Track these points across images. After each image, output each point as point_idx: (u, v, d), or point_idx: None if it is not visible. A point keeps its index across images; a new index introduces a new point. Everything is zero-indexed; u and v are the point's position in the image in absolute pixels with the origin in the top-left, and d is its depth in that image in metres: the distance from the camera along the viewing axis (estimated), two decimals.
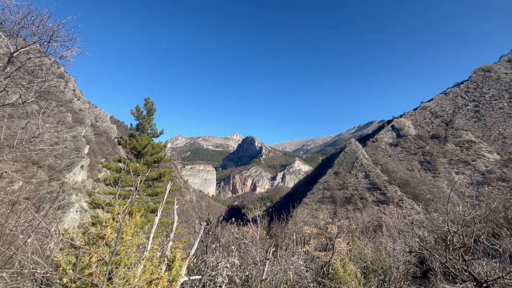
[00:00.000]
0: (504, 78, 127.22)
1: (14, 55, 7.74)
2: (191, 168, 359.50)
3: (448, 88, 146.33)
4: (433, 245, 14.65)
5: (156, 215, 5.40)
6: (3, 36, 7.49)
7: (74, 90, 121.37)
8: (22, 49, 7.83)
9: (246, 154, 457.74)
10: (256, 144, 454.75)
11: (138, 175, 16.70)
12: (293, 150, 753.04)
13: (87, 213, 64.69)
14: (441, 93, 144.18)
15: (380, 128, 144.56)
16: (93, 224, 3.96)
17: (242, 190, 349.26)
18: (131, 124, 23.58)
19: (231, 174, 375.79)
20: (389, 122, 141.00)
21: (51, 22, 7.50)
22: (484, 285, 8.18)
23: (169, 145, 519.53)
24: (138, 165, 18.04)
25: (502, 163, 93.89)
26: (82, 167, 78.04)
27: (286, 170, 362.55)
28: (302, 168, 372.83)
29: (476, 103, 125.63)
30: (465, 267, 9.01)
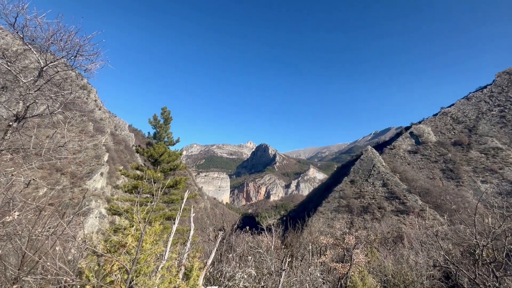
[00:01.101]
0: None
1: (44, 69, 8.28)
2: (205, 175, 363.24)
3: (470, 92, 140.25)
4: (460, 259, 13.81)
5: (174, 224, 5.45)
6: (34, 52, 8.04)
7: (95, 101, 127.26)
8: (51, 64, 8.35)
9: (260, 161, 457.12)
10: (269, 152, 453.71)
11: (155, 182, 17.07)
12: (307, 158, 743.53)
13: (105, 219, 66.59)
14: (462, 98, 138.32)
15: (398, 134, 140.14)
16: (115, 232, 4.05)
17: (256, 198, 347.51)
18: (149, 133, 24.27)
19: (245, 181, 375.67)
20: (407, 128, 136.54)
21: (78, 38, 7.98)
22: None
23: (184, 152, 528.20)
24: (155, 172, 18.44)
25: None
26: (101, 174, 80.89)
27: (300, 178, 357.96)
28: (317, 176, 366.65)
29: (502, 107, 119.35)
30: (497, 284, 8.40)
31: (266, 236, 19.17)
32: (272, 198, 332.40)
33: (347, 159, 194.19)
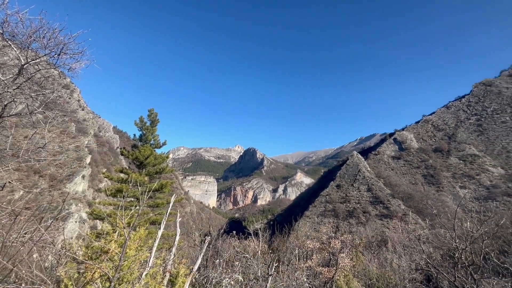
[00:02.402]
0: (505, 93, 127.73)
1: (24, 66, 7.92)
2: (192, 179, 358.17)
3: (449, 101, 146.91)
4: (440, 262, 14.27)
5: (160, 228, 5.32)
6: (14, 49, 7.69)
7: (79, 101, 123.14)
8: (32, 61, 8.01)
9: (248, 165, 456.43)
10: (257, 156, 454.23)
11: (140, 186, 16.63)
12: (295, 162, 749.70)
13: (86, 224, 64.03)
14: (443, 107, 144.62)
15: (382, 141, 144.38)
16: (97, 237, 3.89)
17: (243, 202, 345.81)
18: (134, 135, 23.73)
19: (232, 185, 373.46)
20: (391, 135, 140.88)
21: (62, 36, 7.70)
22: None
23: (171, 155, 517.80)
24: (140, 176, 18.00)
25: (507, 177, 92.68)
26: (83, 177, 77.98)
27: (287, 182, 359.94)
28: (304, 180, 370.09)
29: (478, 117, 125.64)
30: (475, 286, 8.73)
31: (253, 241, 19.06)
32: (259, 202, 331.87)
33: (334, 164, 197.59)
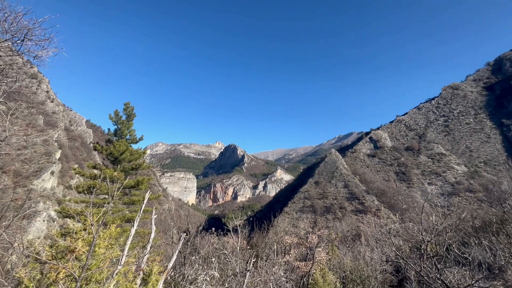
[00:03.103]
0: (470, 96, 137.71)
1: None
2: (170, 175, 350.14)
3: (421, 103, 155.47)
4: (408, 254, 15.16)
5: (133, 226, 5.13)
6: None
7: (47, 92, 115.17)
8: None
9: (228, 162, 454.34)
10: (238, 152, 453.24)
11: (114, 183, 15.97)
12: (275, 159, 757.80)
13: (55, 222, 60.48)
14: (414, 108, 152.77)
15: (359, 139, 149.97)
16: (63, 236, 3.68)
17: (223, 199, 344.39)
18: (109, 129, 22.73)
19: (212, 182, 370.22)
20: (367, 133, 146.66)
21: (27, 20, 7.11)
22: None
23: (148, 151, 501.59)
24: (114, 172, 17.28)
25: (469, 174, 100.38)
26: (52, 173, 73.34)
27: (268, 179, 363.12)
28: (284, 177, 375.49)
29: (446, 118, 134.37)
30: (438, 275, 9.38)
31: (232, 237, 19.06)
32: (239, 199, 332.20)
33: (313, 161, 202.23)
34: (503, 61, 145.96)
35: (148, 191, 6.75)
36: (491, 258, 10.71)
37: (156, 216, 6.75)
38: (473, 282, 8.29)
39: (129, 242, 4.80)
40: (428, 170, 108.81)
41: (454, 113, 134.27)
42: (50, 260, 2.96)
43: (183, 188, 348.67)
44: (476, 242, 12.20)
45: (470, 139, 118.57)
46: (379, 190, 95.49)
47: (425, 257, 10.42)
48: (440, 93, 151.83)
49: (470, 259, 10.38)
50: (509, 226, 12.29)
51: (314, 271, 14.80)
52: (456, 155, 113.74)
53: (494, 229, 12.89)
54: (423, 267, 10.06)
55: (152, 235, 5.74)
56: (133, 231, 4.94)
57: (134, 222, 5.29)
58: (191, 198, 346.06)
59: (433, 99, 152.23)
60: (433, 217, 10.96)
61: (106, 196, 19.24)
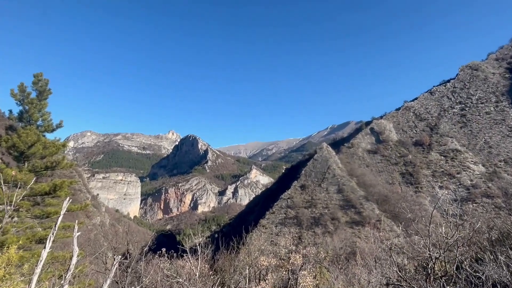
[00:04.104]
0: (491, 79, 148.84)
1: None
2: (104, 178, 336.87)
3: (434, 86, 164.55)
4: (413, 274, 16.23)
5: (45, 248, 4.88)
6: None
7: None
8: None
9: (186, 159, 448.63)
10: (199, 146, 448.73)
11: (18, 188, 15.03)
12: (249, 156, 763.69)
13: None
14: (426, 92, 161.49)
15: (358, 130, 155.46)
16: None
17: (178, 209, 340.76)
18: (11, 112, 21.45)
19: (163, 187, 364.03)
20: (368, 123, 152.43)
21: None
22: None
23: (71, 144, 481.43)
24: (19, 172, 16.27)
25: (487, 176, 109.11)
26: None
27: (239, 182, 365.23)
28: (261, 179, 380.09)
29: (463, 105, 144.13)
30: None
31: (189, 260, 19.01)
32: (200, 209, 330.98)
33: (298, 159, 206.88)
34: None
35: (68, 199, 6.43)
36: (508, 277, 11.75)
37: (80, 233, 6.49)
38: None
39: (38, 270, 4.56)
40: (440, 170, 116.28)
41: (472, 100, 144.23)
42: None
43: (121, 194, 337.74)
44: (492, 257, 13.37)
45: (489, 133, 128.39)
46: (380, 196, 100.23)
47: (432, 277, 11.25)
48: (457, 74, 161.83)
49: (484, 278, 11.31)
50: None
51: None
52: (473, 152, 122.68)
53: None
54: None
55: (74, 260, 5.51)
56: (44, 254, 4.70)
57: (46, 242, 5.03)
58: (133, 208, 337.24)
59: (448, 81, 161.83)
60: (443, 228, 11.79)
61: (9, 207, 18.10)
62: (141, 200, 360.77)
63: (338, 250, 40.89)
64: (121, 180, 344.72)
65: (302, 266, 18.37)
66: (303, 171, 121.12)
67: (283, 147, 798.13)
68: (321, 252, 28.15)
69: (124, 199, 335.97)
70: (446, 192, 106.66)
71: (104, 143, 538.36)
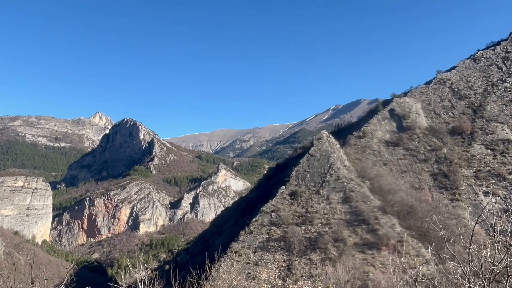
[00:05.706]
0: None
1: None
2: None
3: (478, 50, 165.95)
4: None
5: None
6: None
7: None
8: None
9: (121, 155, 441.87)
10: (141, 136, 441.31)
11: None
12: (215, 150, 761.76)
13: None
14: (468, 58, 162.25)
15: (372, 113, 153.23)
16: None
17: (109, 230, 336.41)
18: None
19: (86, 196, 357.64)
20: (386, 103, 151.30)
21: None
22: None
23: None
24: None
25: None
26: None
27: (201, 188, 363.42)
28: (232, 184, 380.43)
29: None
30: None
31: None
32: (143, 228, 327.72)
33: (287, 154, 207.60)
34: None
35: None
36: None
37: None
38: None
39: None
40: (486, 169, 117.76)
41: None
42: None
43: (23, 209, 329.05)
44: None
45: None
46: (403, 207, 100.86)
47: None
48: (510, 34, 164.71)
49: None
50: None
51: None
52: None
53: None
54: None
55: None
56: None
57: None
58: (41, 229, 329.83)
59: (499, 43, 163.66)
60: (489, 250, 12.13)
61: None
62: (54, 217, 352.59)
63: (344, 284, 41.65)
64: (22, 187, 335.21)
65: None
66: (294, 172, 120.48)
67: (265, 137, 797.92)
68: None
69: (27, 215, 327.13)
70: (494, 200, 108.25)
71: None
